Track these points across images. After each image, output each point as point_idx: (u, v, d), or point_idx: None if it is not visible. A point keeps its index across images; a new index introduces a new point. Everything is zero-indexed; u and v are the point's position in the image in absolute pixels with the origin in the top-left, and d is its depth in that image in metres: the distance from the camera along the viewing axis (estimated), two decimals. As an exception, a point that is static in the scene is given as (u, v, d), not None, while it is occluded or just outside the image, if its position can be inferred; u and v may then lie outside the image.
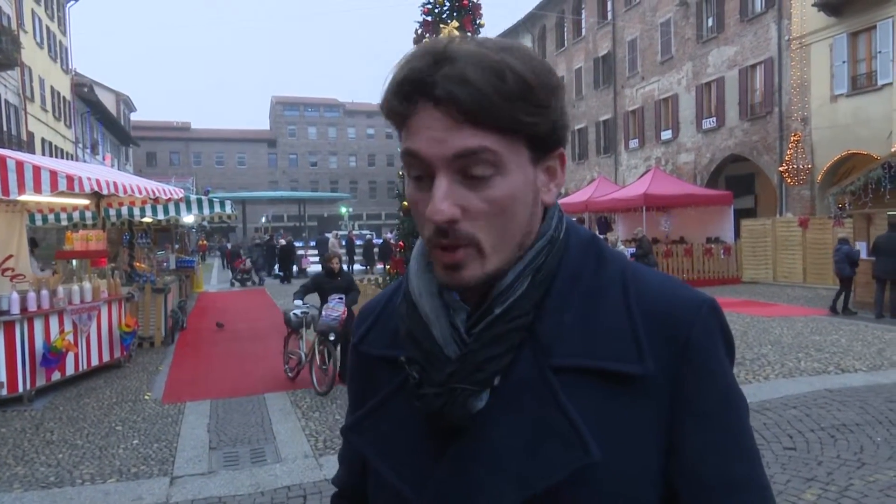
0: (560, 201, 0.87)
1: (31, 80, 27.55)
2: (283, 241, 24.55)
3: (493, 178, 0.70)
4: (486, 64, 0.68)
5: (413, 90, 0.70)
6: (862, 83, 18.42)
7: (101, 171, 8.98)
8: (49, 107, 30.42)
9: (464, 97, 0.67)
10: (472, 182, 0.70)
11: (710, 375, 0.73)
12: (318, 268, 23.48)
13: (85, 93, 35.80)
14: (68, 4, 35.79)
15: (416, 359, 0.76)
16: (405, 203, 10.97)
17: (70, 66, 36.14)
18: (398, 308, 0.82)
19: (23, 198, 6.72)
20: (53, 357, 6.83)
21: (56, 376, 7.05)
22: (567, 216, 0.82)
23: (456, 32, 10.33)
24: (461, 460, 0.73)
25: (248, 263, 22.20)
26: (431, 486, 0.74)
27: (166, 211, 11.37)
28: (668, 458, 0.72)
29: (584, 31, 33.22)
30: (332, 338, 6.71)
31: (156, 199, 9.47)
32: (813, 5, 18.95)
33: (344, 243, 26.17)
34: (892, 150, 13.99)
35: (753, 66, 22.34)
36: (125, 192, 7.93)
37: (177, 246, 19.58)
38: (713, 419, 0.72)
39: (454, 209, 0.69)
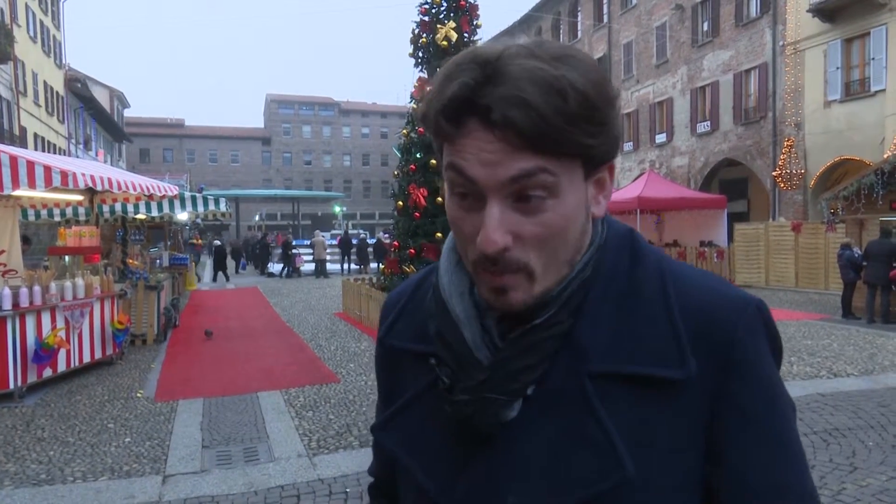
0: None
1: (24, 75, 27.38)
2: (217, 242, 25.11)
3: (547, 202, 0.66)
4: (545, 81, 0.62)
5: (464, 111, 0.65)
6: (855, 89, 18.55)
7: (95, 167, 8.93)
8: (42, 102, 30.24)
9: (523, 122, 0.62)
10: (525, 206, 0.66)
11: (755, 378, 0.70)
12: (312, 266, 23.78)
13: (78, 88, 35.58)
14: (62, -1, 35.60)
15: (446, 361, 0.74)
16: (400, 203, 10.95)
17: (63, 61, 35.94)
18: (428, 304, 0.79)
19: (16, 193, 6.68)
20: (45, 353, 6.78)
21: (48, 373, 7.00)
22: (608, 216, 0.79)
23: (453, 33, 10.33)
24: (489, 469, 0.72)
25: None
26: (459, 490, 0.73)
27: (160, 208, 11.34)
28: (708, 465, 0.70)
29: (580, 33, 33.29)
30: None
31: (150, 196, 9.42)
32: (808, 11, 19.07)
33: (333, 242, 26.18)
34: (885, 156, 14.10)
35: (748, 71, 22.45)
36: (119, 188, 7.89)
37: (170, 243, 19.50)
38: (758, 423, 0.70)
39: (507, 237, 0.65)
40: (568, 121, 0.63)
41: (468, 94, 0.64)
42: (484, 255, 0.66)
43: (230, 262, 28.18)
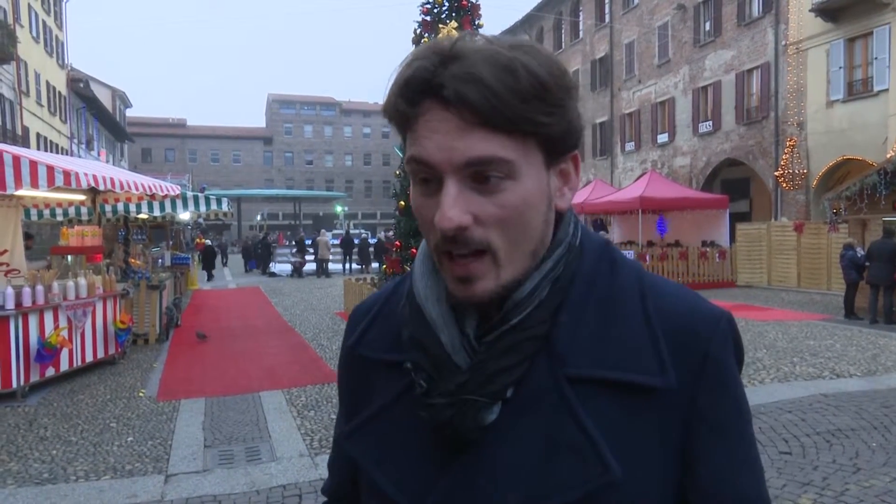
0: None
1: (26, 75, 27.43)
2: (207, 242, 26.00)
3: (506, 182, 0.66)
4: (497, 61, 0.64)
5: (420, 91, 0.66)
6: (858, 89, 18.51)
7: (97, 167, 8.94)
8: (44, 101, 30.29)
9: (475, 97, 0.63)
10: (483, 187, 0.66)
11: (726, 390, 0.72)
12: (314, 266, 23.76)
13: (81, 88, 35.66)
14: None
15: (423, 366, 0.72)
16: (402, 203, 10.95)
17: (66, 61, 36.01)
18: (401, 310, 0.78)
19: (19, 192, 6.69)
20: (48, 353, 6.79)
21: (50, 372, 7.01)
22: (583, 213, 0.79)
23: (454, 33, 10.33)
24: (468, 474, 0.70)
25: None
26: (433, 500, 0.71)
27: (162, 208, 11.34)
28: (682, 473, 0.71)
29: (581, 33, 33.27)
30: None
31: (152, 196, 9.43)
32: (810, 11, 19.04)
33: (335, 242, 26.19)
34: (888, 156, 14.07)
35: (750, 71, 22.42)
36: (122, 188, 7.89)
37: (171, 242, 19.52)
38: (728, 434, 0.72)
39: (465, 216, 0.65)
40: (521, 98, 0.64)
41: (425, 76, 0.65)
42: (443, 234, 0.66)
43: (240, 262, 28.23)
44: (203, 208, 12.11)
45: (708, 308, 0.74)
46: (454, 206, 0.65)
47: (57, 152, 29.36)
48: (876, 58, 17.80)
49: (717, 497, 0.71)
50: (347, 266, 24.96)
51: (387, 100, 0.70)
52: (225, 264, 30.69)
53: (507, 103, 0.63)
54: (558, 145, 0.70)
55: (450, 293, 0.72)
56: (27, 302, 6.72)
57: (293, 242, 27.03)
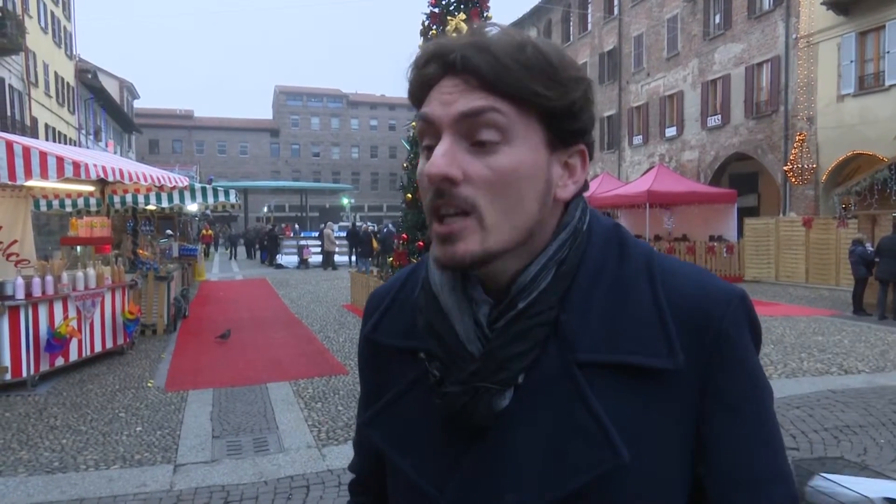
0: None
1: (35, 66, 27.48)
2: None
3: (499, 146, 0.68)
4: (510, 39, 0.68)
5: (433, 59, 0.71)
6: (869, 83, 18.34)
7: (106, 158, 8.97)
8: (53, 92, 30.35)
9: (480, 63, 0.67)
10: (477, 148, 0.68)
11: (740, 369, 0.72)
12: (320, 259, 23.79)
13: (89, 79, 35.70)
14: (73, -10, 35.63)
15: (437, 354, 0.74)
16: (408, 195, 10.94)
17: (74, 52, 36.05)
18: (416, 299, 0.80)
19: (29, 183, 6.72)
20: (57, 343, 6.84)
21: (59, 362, 7.06)
22: (590, 206, 0.80)
23: (463, 24, 10.28)
24: (484, 461, 0.72)
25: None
26: (454, 485, 0.73)
27: (170, 199, 11.36)
28: (696, 453, 0.71)
29: (589, 25, 33.08)
30: None
31: (160, 187, 9.46)
32: (821, 4, 18.85)
33: (340, 234, 26.12)
34: (899, 151, 13.96)
35: (760, 65, 22.24)
36: (130, 179, 7.91)
37: (179, 234, 19.59)
38: (743, 413, 0.71)
39: (453, 168, 0.67)
40: (522, 66, 0.67)
41: (439, 50, 0.70)
42: (430, 182, 0.68)
43: (242, 252, 28.21)
44: (211, 200, 12.10)
45: (720, 287, 0.74)
46: (444, 156, 0.68)
47: (65, 143, 29.45)
48: (888, 51, 17.62)
49: (732, 477, 0.71)
50: (353, 258, 25.00)
51: (409, 73, 0.74)
52: (234, 256, 30.77)
53: (510, 70, 0.67)
54: (561, 126, 0.71)
55: (434, 259, 0.73)
56: (37, 292, 6.77)
57: (373, 234, 26.12)
